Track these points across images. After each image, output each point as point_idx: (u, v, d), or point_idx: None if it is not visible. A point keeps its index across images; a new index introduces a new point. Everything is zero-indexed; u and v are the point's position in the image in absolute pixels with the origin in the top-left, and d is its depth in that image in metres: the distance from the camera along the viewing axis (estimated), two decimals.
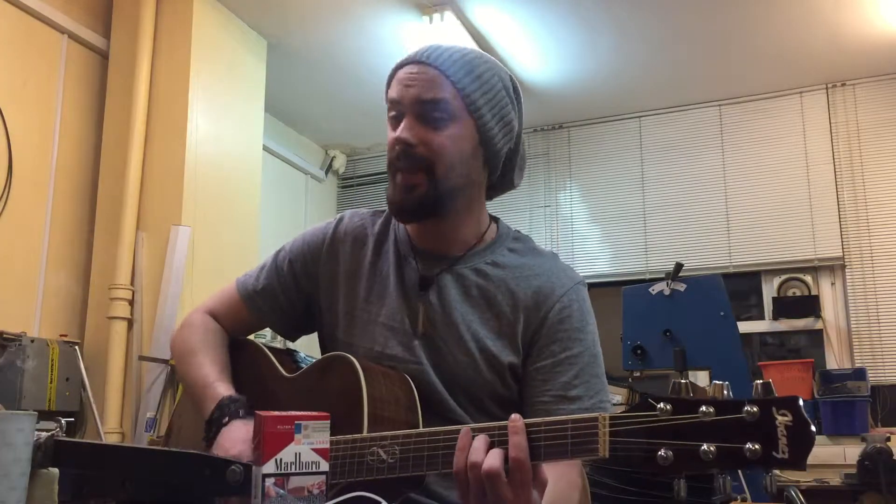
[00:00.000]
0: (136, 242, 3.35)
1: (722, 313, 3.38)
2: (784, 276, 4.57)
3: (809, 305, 4.47)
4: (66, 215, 3.44)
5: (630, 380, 3.64)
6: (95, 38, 3.59)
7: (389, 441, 0.99)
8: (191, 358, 1.27)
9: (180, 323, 1.37)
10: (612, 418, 0.86)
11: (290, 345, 1.59)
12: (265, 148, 4.19)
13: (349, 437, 1.02)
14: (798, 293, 4.52)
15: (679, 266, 3.51)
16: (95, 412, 3.15)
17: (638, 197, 4.94)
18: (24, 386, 2.91)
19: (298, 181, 5.26)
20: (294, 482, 0.85)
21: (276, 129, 4.84)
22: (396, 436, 0.99)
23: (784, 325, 4.56)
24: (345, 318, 1.26)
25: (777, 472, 0.80)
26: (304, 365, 1.25)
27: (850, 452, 3.68)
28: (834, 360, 4.38)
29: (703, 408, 0.81)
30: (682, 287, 3.46)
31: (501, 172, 1.26)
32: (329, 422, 0.88)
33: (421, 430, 1.00)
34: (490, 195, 1.29)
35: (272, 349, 1.30)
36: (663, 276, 3.57)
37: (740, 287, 4.69)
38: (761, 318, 4.64)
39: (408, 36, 3.97)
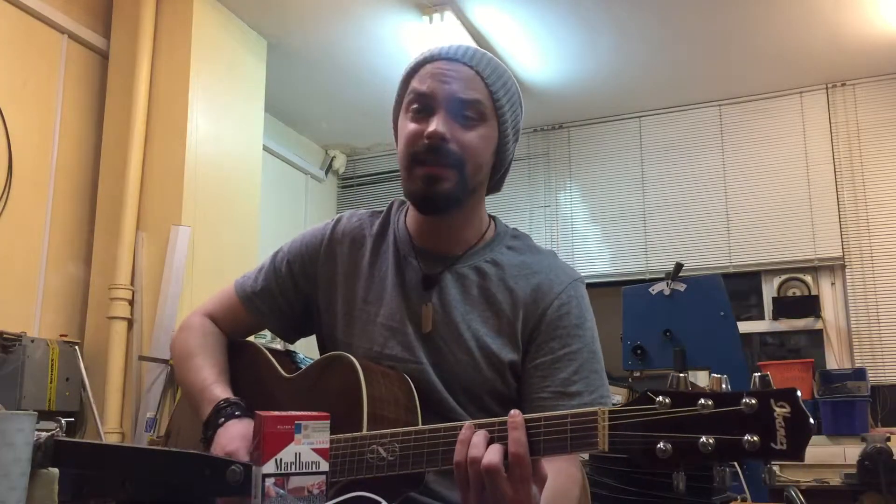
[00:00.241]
0: (136, 242, 3.35)
1: (722, 313, 3.38)
2: (784, 276, 4.57)
3: (809, 305, 4.47)
4: (66, 215, 3.44)
5: (630, 380, 3.63)
6: (95, 38, 3.59)
7: (389, 438, 0.99)
8: (189, 361, 1.27)
9: (179, 326, 1.37)
10: (611, 412, 0.86)
11: (289, 346, 1.59)
12: (265, 148, 4.19)
13: (349, 435, 1.02)
14: (798, 293, 4.52)
15: (679, 266, 3.51)
16: (95, 412, 3.15)
17: (638, 197, 4.94)
18: (24, 386, 2.91)
19: (298, 181, 5.27)
20: (294, 482, 0.84)
21: (276, 129, 4.84)
22: (396, 433, 0.99)
23: (784, 325, 4.56)
24: (343, 319, 1.26)
25: (777, 471, 0.80)
26: (303, 365, 1.25)
27: (850, 452, 3.68)
28: (834, 360, 4.38)
29: (702, 400, 0.81)
30: (682, 287, 3.46)
31: (500, 176, 1.27)
32: (329, 422, 0.88)
33: (420, 427, 1.00)
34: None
35: (271, 350, 1.30)
36: (663, 276, 3.57)
37: (740, 287, 4.69)
38: (761, 318, 4.64)
39: (408, 36, 3.97)
